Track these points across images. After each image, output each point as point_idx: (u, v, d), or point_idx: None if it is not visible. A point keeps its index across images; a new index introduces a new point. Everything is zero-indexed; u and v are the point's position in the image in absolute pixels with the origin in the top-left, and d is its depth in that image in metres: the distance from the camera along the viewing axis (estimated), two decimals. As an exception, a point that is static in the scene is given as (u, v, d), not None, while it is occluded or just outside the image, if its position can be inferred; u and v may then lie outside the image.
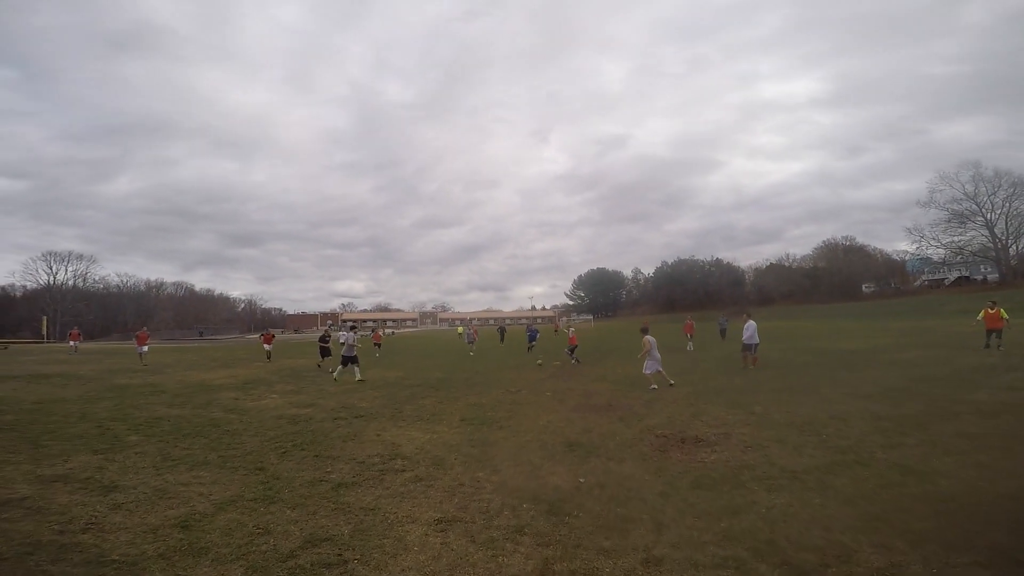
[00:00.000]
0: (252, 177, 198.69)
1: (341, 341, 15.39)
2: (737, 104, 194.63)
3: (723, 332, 26.47)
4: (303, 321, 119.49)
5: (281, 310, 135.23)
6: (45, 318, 67.47)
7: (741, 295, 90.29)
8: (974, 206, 67.72)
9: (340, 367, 15.01)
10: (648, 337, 11.89)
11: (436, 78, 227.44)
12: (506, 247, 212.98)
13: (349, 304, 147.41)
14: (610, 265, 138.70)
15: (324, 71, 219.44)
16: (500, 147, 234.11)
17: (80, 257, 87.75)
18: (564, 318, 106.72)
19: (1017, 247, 68.11)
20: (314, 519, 4.41)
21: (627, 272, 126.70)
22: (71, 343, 28.77)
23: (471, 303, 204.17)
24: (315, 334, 78.29)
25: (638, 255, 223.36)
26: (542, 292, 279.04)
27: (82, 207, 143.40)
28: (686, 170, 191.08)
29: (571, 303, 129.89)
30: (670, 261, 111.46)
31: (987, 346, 15.16)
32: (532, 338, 23.34)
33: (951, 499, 4.37)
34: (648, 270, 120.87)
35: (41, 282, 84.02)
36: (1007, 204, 66.12)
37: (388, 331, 68.34)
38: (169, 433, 7.94)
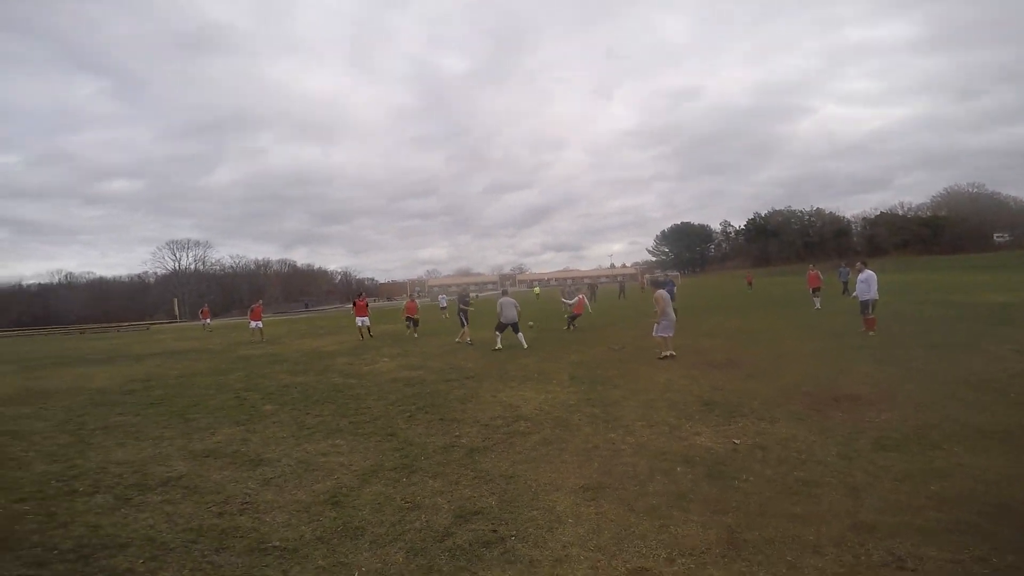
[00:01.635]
0: (334, 158, 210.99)
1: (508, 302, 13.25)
2: (820, 50, 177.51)
3: (846, 285, 23.31)
4: (394, 289, 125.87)
5: (373, 279, 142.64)
6: (175, 299, 75.76)
7: (847, 246, 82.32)
8: None
9: (498, 334, 13.12)
10: (661, 292, 10.13)
11: (488, 46, 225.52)
12: (579, 206, 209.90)
13: (433, 270, 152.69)
14: (693, 219, 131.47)
15: (383, 52, 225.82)
16: (563, 108, 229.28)
17: (198, 243, 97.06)
18: (647, 275, 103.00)
19: None
20: (457, 489, 4.24)
21: (714, 225, 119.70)
22: (204, 320, 31.48)
23: (546, 264, 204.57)
24: (402, 301, 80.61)
25: (723, 207, 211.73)
26: (621, 249, 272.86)
27: (192, 199, 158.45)
28: (771, 118, 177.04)
29: (653, 259, 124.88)
30: (763, 212, 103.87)
31: None
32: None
33: None
34: (738, 222, 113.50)
35: (168, 268, 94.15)
36: None
37: (474, 295, 69.27)
38: (299, 401, 8.18)
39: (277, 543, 3.46)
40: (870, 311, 11.49)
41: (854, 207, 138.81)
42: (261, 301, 23.52)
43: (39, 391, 10.66)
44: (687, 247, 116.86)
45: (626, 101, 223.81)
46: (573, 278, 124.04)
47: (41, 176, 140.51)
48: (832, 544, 2.91)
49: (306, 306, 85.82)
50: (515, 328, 13.11)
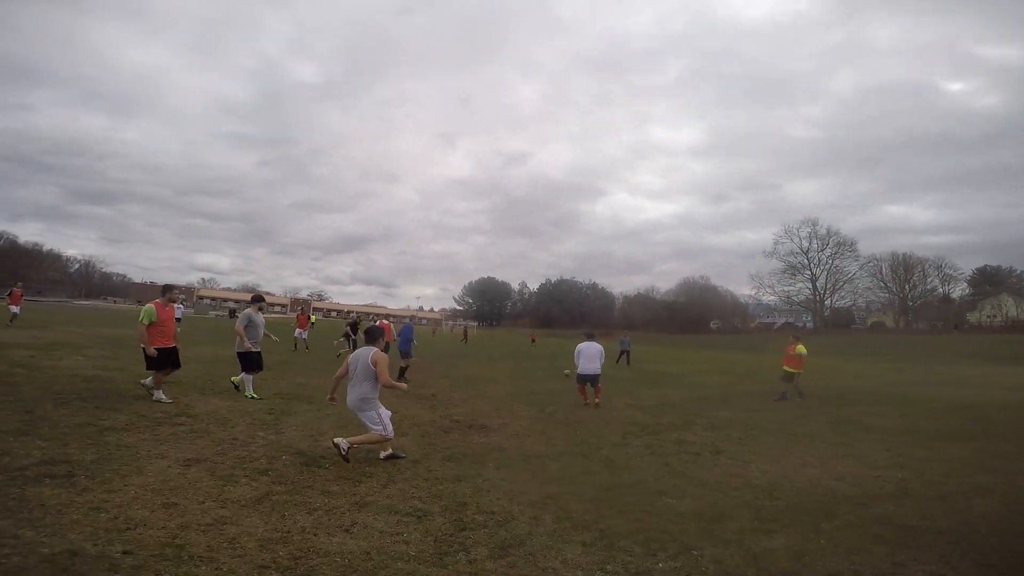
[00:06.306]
0: (122, 135, 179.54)
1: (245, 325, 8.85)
2: (629, 142, 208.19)
3: (624, 354, 24.61)
4: (150, 292, 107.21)
5: (125, 276, 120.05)
6: None
7: (610, 319, 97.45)
8: (805, 260, 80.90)
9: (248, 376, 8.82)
10: (368, 352, 5.63)
11: (352, 64, 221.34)
12: (398, 243, 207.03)
13: (210, 280, 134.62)
14: (500, 276, 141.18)
15: (236, 43, 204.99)
16: (405, 144, 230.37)
17: None
18: (450, 322, 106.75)
19: (831, 300, 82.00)
20: (63, 449, 4.73)
21: (515, 285, 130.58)
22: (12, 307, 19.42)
23: (353, 295, 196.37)
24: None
25: (526, 270, 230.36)
26: (432, 294, 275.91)
27: None
28: (576, 195, 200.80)
29: (459, 308, 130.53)
30: (553, 280, 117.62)
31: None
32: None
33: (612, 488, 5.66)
34: (534, 285, 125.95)
35: None
36: (831, 261, 79.72)
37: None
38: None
39: None
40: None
41: (622, 286, 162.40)
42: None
43: None
44: (489, 301, 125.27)
45: (466, 152, 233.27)
46: (376, 314, 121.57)
47: None
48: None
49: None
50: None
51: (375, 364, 5.38)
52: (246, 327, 8.74)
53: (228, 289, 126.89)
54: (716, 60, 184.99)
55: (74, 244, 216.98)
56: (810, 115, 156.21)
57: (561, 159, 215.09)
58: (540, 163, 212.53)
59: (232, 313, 62.82)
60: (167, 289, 8.16)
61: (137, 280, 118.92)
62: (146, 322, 7.38)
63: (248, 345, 8.66)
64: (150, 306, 7.55)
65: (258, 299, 9.62)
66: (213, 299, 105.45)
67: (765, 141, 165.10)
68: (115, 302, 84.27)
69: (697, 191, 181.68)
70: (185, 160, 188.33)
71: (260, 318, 9.10)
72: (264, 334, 9.26)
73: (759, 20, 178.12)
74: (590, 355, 10.74)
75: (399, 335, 13.61)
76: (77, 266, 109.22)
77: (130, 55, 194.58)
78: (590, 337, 11.24)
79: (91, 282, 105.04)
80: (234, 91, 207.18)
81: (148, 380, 7.71)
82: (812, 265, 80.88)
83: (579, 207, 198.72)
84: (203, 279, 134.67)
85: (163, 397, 7.45)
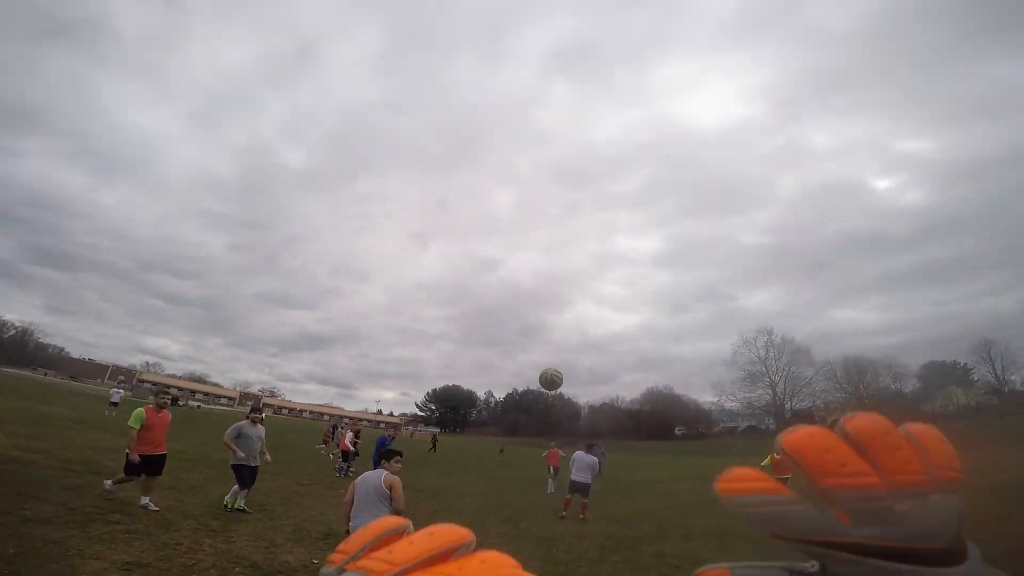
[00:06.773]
0: (100, 197, 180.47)
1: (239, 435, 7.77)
2: (595, 252, 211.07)
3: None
4: (86, 369, 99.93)
5: (63, 350, 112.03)
6: None
7: (576, 428, 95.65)
8: (763, 368, 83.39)
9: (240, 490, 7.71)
10: None
11: (338, 154, 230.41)
12: (362, 346, 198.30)
13: (155, 364, 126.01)
14: (465, 384, 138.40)
15: (234, 118, 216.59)
16: (380, 241, 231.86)
17: None
18: (411, 427, 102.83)
19: (791, 404, 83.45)
20: None
21: (480, 393, 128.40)
22: None
23: (307, 394, 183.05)
24: (97, 388, 64.43)
25: (492, 378, 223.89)
26: (392, 398, 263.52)
27: None
28: (543, 306, 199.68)
29: (421, 414, 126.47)
30: (520, 389, 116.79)
31: None
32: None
33: None
34: (500, 394, 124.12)
35: None
36: (787, 368, 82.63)
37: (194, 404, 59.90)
38: None
39: None
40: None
41: (588, 395, 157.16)
42: None
43: None
44: (452, 409, 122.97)
45: (438, 254, 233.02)
46: (330, 414, 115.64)
47: None
48: None
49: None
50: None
51: (390, 488, 4.73)
52: (236, 439, 7.67)
53: (172, 376, 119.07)
54: (676, 168, 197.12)
55: (15, 308, 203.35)
56: (759, 220, 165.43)
57: (530, 267, 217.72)
58: (510, 270, 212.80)
59: (175, 401, 58.67)
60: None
61: (75, 355, 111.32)
62: (136, 427, 6.75)
63: (241, 456, 7.53)
64: (141, 411, 6.95)
65: (256, 409, 8.54)
66: (155, 383, 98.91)
67: (720, 248, 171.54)
68: (45, 374, 78.25)
69: (658, 300, 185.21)
70: (156, 231, 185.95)
71: (257, 430, 7.93)
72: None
73: (712, 128, 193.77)
74: (582, 466, 10.75)
75: (376, 444, 12.46)
76: (13, 332, 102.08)
77: (131, 116, 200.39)
78: (589, 448, 11.62)
79: (24, 350, 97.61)
80: (220, 166, 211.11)
81: (109, 483, 6.89)
82: (770, 372, 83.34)
83: (546, 317, 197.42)
84: (147, 362, 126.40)
85: (110, 485, 6.83)
